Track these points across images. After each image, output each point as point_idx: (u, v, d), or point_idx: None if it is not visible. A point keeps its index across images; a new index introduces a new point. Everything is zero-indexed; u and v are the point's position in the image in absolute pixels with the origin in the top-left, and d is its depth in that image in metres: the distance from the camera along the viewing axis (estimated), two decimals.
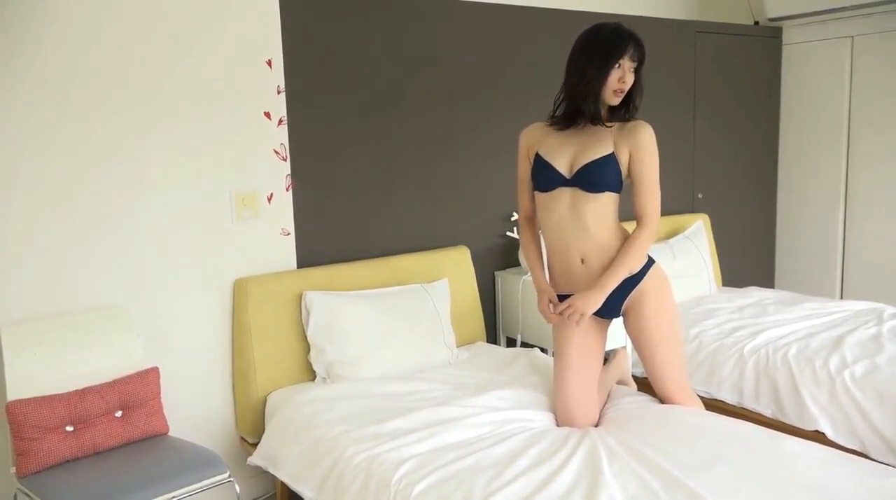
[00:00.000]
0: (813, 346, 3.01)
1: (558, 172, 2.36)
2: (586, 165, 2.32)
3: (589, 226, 2.34)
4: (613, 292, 2.36)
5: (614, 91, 2.29)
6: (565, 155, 2.36)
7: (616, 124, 2.36)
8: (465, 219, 3.50)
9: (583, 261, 2.38)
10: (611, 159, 2.31)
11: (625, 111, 2.37)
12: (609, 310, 2.42)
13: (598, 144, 2.33)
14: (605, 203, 2.34)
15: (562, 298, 2.47)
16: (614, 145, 2.33)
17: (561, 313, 2.37)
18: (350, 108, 3.11)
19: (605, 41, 2.28)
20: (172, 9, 2.63)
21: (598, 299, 2.33)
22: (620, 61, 2.27)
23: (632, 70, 2.30)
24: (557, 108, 2.41)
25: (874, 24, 4.29)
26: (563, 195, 2.37)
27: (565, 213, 2.37)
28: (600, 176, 2.31)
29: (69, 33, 2.44)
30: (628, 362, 2.84)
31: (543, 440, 2.21)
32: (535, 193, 2.46)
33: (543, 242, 2.52)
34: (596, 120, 2.32)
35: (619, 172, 2.33)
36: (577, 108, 2.33)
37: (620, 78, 2.28)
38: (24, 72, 2.38)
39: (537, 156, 2.41)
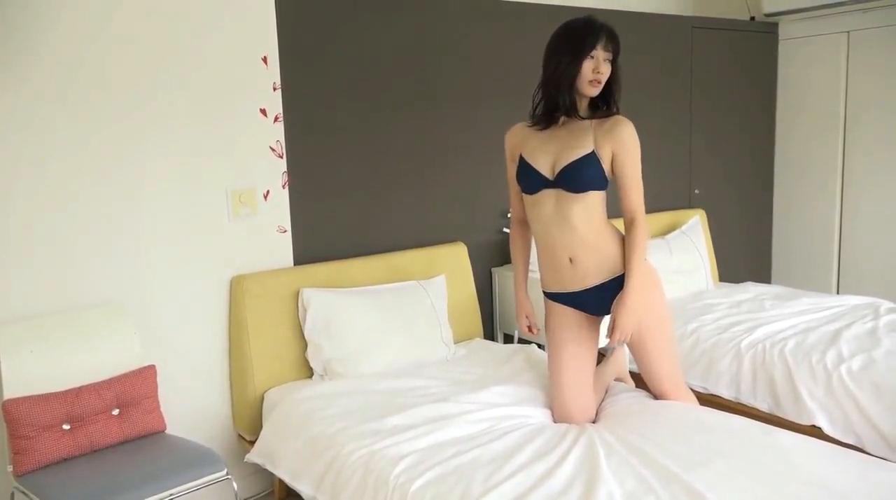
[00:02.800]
0: (810, 341, 3.01)
1: (541, 175, 2.34)
2: (567, 166, 2.29)
3: (576, 226, 2.33)
4: (606, 290, 2.36)
5: (590, 82, 2.27)
6: (547, 156, 2.34)
7: (595, 120, 2.33)
8: (462, 215, 3.50)
9: (571, 261, 2.38)
10: (591, 158, 2.28)
11: (606, 107, 2.36)
12: (601, 308, 2.42)
13: (579, 144, 2.30)
14: (590, 202, 2.32)
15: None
16: (595, 143, 2.29)
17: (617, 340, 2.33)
18: (346, 104, 3.10)
19: (575, 33, 2.28)
20: (169, 6, 2.62)
21: (634, 308, 2.29)
22: (593, 52, 2.25)
23: (606, 61, 2.28)
24: (537, 107, 2.39)
25: (870, 20, 4.29)
26: (548, 197, 2.35)
27: (551, 214, 2.35)
28: (583, 176, 2.28)
29: (68, 33, 2.43)
30: (625, 359, 2.84)
31: (541, 435, 2.21)
32: (523, 194, 2.45)
33: (535, 244, 2.51)
34: (571, 111, 2.30)
35: (602, 170, 2.30)
36: (554, 102, 2.31)
37: (595, 69, 2.26)
38: (25, 71, 2.37)
39: (521, 159, 2.40)
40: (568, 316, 2.45)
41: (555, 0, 3.78)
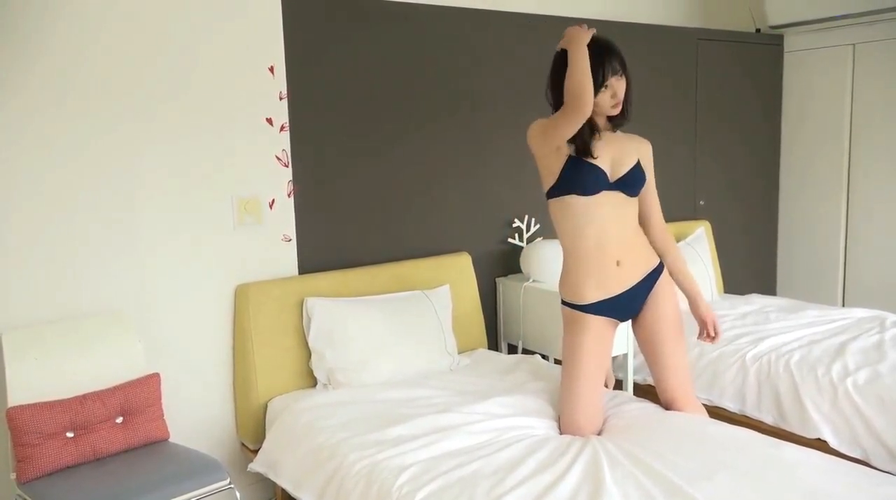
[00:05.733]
0: (815, 353, 3.00)
1: (606, 175, 2.36)
2: (632, 169, 2.38)
3: (630, 228, 2.42)
4: (639, 289, 2.43)
5: (613, 107, 2.34)
6: (606, 158, 2.37)
7: (623, 134, 2.45)
8: (466, 225, 3.50)
9: (619, 263, 2.40)
10: (639, 164, 2.42)
11: (620, 115, 2.40)
12: (631, 309, 2.46)
13: (630, 150, 2.42)
14: (635, 205, 2.45)
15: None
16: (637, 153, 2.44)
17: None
18: (352, 114, 3.11)
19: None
20: (175, 15, 2.63)
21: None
22: (606, 83, 2.29)
23: (620, 79, 2.31)
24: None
25: (876, 32, 4.29)
26: (606, 199, 2.37)
27: (610, 216, 2.37)
28: (641, 180, 2.42)
29: (70, 42, 2.45)
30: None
31: (545, 447, 2.20)
32: (569, 197, 2.36)
33: (572, 253, 2.43)
34: (592, 134, 2.33)
35: None
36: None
37: (612, 95, 2.31)
38: (25, 77, 2.38)
39: (576, 158, 2.33)
40: (597, 328, 2.41)
41: (564, 12, 3.79)
